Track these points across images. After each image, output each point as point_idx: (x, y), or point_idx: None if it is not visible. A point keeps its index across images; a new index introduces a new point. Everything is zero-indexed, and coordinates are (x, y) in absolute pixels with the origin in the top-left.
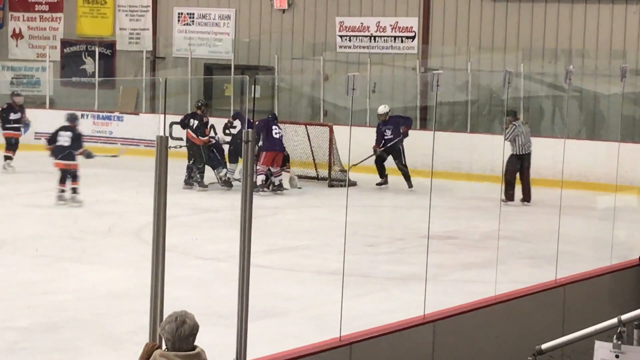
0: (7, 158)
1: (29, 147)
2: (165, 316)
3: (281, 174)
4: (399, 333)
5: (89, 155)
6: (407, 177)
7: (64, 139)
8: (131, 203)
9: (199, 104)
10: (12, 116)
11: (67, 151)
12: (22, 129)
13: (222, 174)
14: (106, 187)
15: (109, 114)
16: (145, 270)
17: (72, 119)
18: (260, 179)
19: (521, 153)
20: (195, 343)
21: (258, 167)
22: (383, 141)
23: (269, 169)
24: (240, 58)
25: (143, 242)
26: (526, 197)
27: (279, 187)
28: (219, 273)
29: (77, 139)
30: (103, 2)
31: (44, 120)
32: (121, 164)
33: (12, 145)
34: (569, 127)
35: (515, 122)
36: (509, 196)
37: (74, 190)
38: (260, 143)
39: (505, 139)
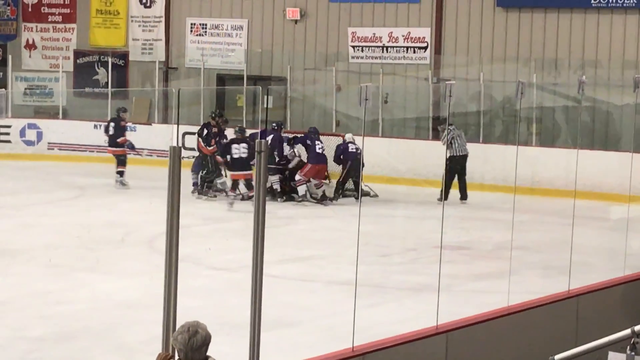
0: (120, 173)
1: (41, 157)
2: (178, 326)
3: (322, 185)
4: (412, 343)
5: (131, 147)
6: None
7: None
8: (144, 213)
9: (213, 114)
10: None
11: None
12: (126, 145)
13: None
14: (119, 197)
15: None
16: (158, 280)
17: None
18: (303, 189)
19: (459, 154)
20: (208, 353)
21: (299, 177)
22: None
23: (309, 180)
24: (253, 68)
25: (156, 252)
26: (463, 196)
27: (323, 198)
28: (231, 283)
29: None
30: (116, 13)
31: (58, 131)
32: (134, 174)
33: (122, 161)
34: (582, 137)
35: (450, 127)
36: (446, 195)
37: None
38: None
39: (442, 144)
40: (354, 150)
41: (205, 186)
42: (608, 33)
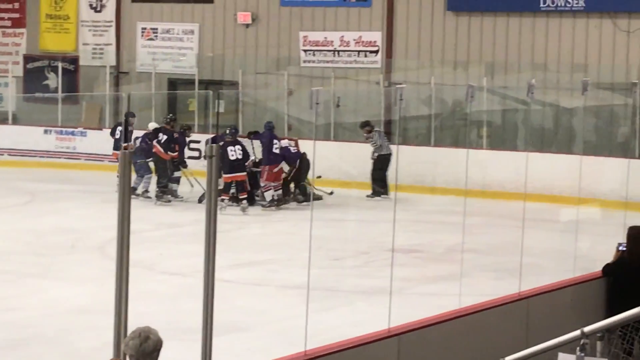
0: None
1: None
2: (129, 332)
3: (280, 188)
4: (364, 346)
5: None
6: None
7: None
8: (95, 218)
9: (168, 119)
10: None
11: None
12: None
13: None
14: (70, 203)
15: (72, 129)
16: (110, 286)
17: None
18: (269, 194)
19: (386, 153)
20: (160, 358)
21: (264, 184)
22: None
23: (273, 184)
24: (204, 73)
25: (107, 257)
26: (386, 192)
27: (285, 202)
28: (184, 288)
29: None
30: (66, 18)
31: (8, 136)
32: (85, 180)
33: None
34: (532, 140)
35: (375, 130)
36: (377, 193)
37: None
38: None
39: (375, 145)
40: (296, 152)
41: (160, 191)
42: (557, 36)
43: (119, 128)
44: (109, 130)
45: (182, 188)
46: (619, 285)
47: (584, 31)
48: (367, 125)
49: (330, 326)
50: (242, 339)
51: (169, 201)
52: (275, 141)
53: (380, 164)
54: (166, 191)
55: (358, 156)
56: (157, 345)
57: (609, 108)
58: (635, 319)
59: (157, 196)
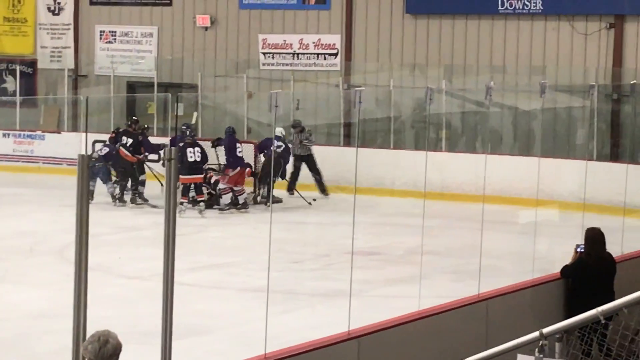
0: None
1: None
2: (88, 336)
3: (244, 192)
4: (324, 349)
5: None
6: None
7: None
8: (53, 222)
9: (130, 122)
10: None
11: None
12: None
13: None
14: (28, 207)
15: (30, 132)
16: (69, 290)
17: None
18: (228, 197)
19: (307, 154)
20: None
21: (223, 186)
22: None
23: (232, 188)
24: (163, 76)
25: (66, 261)
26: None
27: (244, 206)
28: (143, 291)
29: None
30: (24, 20)
31: None
32: (43, 183)
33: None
34: (490, 142)
35: (304, 130)
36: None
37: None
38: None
39: (307, 144)
40: (276, 148)
41: (134, 195)
42: (515, 39)
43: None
44: (68, 133)
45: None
46: (577, 286)
47: (541, 34)
48: (295, 126)
49: (290, 329)
50: (202, 342)
51: (141, 204)
52: (238, 145)
53: (307, 163)
54: (141, 195)
55: (317, 158)
56: (117, 349)
57: (567, 110)
58: (594, 320)
59: (131, 200)
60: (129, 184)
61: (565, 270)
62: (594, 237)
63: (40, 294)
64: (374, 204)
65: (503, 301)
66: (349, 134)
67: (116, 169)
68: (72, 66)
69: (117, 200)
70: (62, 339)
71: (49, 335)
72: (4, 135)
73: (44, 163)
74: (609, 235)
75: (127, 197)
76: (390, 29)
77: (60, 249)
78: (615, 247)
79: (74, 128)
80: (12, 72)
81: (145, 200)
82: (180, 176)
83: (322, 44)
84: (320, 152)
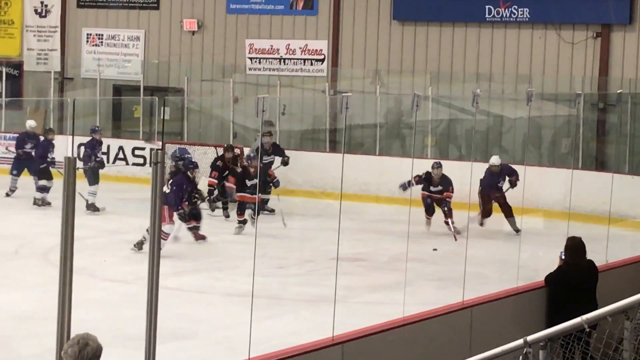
0: None
1: None
2: None
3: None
4: (308, 355)
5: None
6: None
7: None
8: (38, 225)
9: (97, 128)
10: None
11: None
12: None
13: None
14: (13, 209)
15: (16, 135)
16: (53, 293)
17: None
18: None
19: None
20: None
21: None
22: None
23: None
24: (150, 79)
25: (50, 264)
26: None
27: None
28: (127, 295)
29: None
30: (10, 22)
31: None
32: (28, 186)
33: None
34: (476, 150)
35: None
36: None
37: None
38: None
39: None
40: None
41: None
42: (502, 47)
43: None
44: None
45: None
46: (558, 294)
47: (528, 42)
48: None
49: (275, 334)
50: (186, 346)
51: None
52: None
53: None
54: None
55: (303, 164)
56: (97, 352)
57: (553, 119)
58: (579, 329)
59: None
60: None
61: (548, 278)
62: (574, 246)
63: (24, 297)
64: (359, 210)
65: (487, 309)
66: (335, 140)
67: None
68: (59, 69)
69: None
70: (46, 342)
71: (33, 338)
72: None
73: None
74: (593, 244)
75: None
76: (377, 35)
77: (45, 252)
78: (599, 256)
79: (60, 131)
80: None
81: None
82: (239, 193)
83: (309, 50)
84: (306, 158)
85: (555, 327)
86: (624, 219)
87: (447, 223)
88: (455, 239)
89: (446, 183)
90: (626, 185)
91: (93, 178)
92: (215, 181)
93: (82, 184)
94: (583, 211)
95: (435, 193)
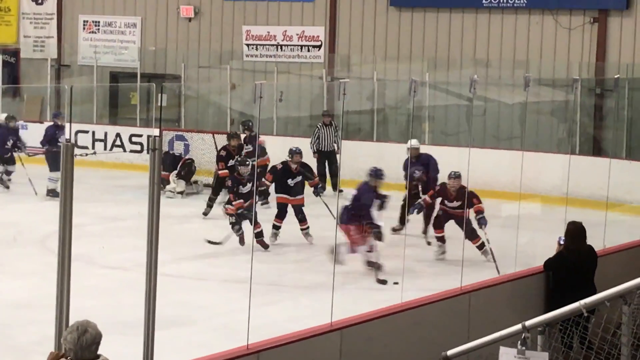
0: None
1: None
2: None
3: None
4: (307, 341)
5: None
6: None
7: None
8: (36, 212)
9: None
10: None
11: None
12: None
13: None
14: (10, 196)
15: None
16: (51, 280)
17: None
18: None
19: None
20: (103, 352)
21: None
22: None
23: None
24: (147, 66)
25: (49, 251)
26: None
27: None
28: (126, 282)
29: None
30: (7, 10)
31: None
32: (26, 173)
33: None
34: (474, 136)
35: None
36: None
37: None
38: None
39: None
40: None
41: None
42: (499, 33)
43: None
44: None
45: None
46: (558, 279)
47: (525, 28)
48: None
49: (273, 321)
50: (184, 333)
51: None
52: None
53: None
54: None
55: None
56: (96, 338)
57: (550, 104)
58: (576, 313)
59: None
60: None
61: (547, 263)
62: (574, 231)
63: (23, 284)
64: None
65: (485, 294)
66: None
67: None
68: (55, 56)
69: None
70: (44, 329)
71: (32, 326)
72: None
73: (26, 153)
74: (591, 229)
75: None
76: (374, 21)
77: (43, 239)
78: (597, 242)
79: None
80: None
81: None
82: (279, 195)
83: (305, 36)
84: (303, 145)
85: (554, 312)
86: (621, 204)
87: (481, 247)
88: (498, 272)
89: (465, 195)
90: (624, 170)
91: (55, 163)
92: (227, 171)
93: (44, 169)
94: (580, 196)
95: (453, 209)
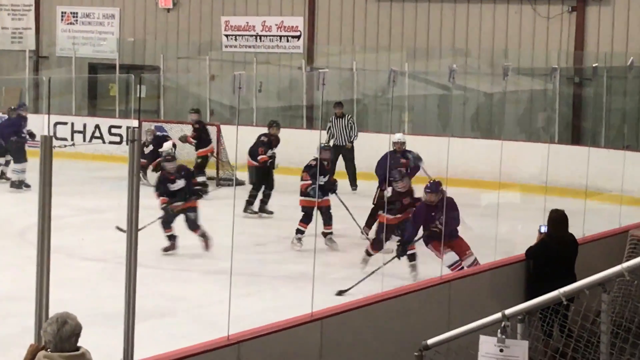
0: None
1: None
2: None
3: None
4: (287, 331)
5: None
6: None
7: None
8: (15, 204)
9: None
10: None
11: None
12: None
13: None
14: None
15: None
16: (31, 272)
17: None
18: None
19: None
20: (83, 344)
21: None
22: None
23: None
24: (125, 57)
25: (28, 243)
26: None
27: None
28: (105, 274)
29: None
30: None
31: None
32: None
33: None
34: (453, 125)
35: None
36: None
37: None
38: None
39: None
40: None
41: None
42: (478, 22)
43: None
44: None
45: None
46: (539, 268)
47: (504, 17)
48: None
49: (254, 311)
50: (165, 324)
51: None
52: None
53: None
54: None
55: (280, 141)
56: (76, 330)
57: (529, 93)
58: (556, 302)
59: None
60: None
61: (529, 251)
62: (557, 219)
63: (2, 277)
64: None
65: (465, 283)
66: (312, 117)
67: None
68: (33, 47)
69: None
70: (24, 322)
71: (12, 318)
72: None
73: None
74: (570, 217)
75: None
76: (354, 11)
77: (22, 232)
78: (576, 230)
79: (36, 110)
80: None
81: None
82: (302, 198)
83: (285, 27)
84: (283, 135)
85: (533, 300)
86: (600, 192)
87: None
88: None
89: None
90: (602, 159)
91: (18, 155)
92: (267, 157)
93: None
94: (560, 185)
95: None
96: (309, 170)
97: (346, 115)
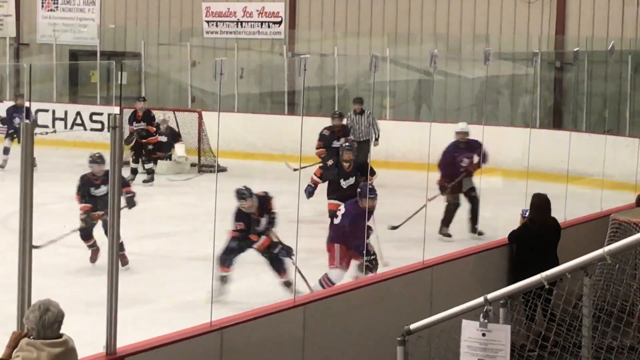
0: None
1: None
2: None
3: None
4: (270, 317)
5: None
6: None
7: None
8: None
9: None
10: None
11: None
12: None
13: None
14: None
15: None
16: (13, 260)
17: None
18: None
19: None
20: (65, 331)
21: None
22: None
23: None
24: (106, 44)
25: (10, 231)
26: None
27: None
28: (87, 261)
29: None
30: None
31: None
32: None
33: None
34: (435, 110)
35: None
36: None
37: None
38: None
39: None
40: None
41: None
42: (459, 7)
43: None
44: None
45: None
46: (522, 252)
47: (485, 1)
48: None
49: (236, 297)
50: (147, 311)
51: None
52: None
53: None
54: None
55: (262, 127)
56: (58, 317)
57: (510, 78)
58: (538, 286)
59: None
60: None
61: (512, 235)
62: (540, 203)
63: None
64: None
65: (448, 268)
66: (294, 102)
67: None
68: (14, 34)
69: None
70: (6, 309)
71: None
72: None
73: None
74: (552, 202)
75: None
76: None
77: (4, 219)
78: (558, 214)
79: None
80: None
81: None
82: (331, 201)
83: (265, 12)
84: (265, 121)
85: (515, 284)
86: (581, 177)
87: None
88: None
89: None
90: (583, 143)
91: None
92: (324, 150)
93: None
94: (541, 170)
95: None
96: (326, 169)
97: (365, 112)
